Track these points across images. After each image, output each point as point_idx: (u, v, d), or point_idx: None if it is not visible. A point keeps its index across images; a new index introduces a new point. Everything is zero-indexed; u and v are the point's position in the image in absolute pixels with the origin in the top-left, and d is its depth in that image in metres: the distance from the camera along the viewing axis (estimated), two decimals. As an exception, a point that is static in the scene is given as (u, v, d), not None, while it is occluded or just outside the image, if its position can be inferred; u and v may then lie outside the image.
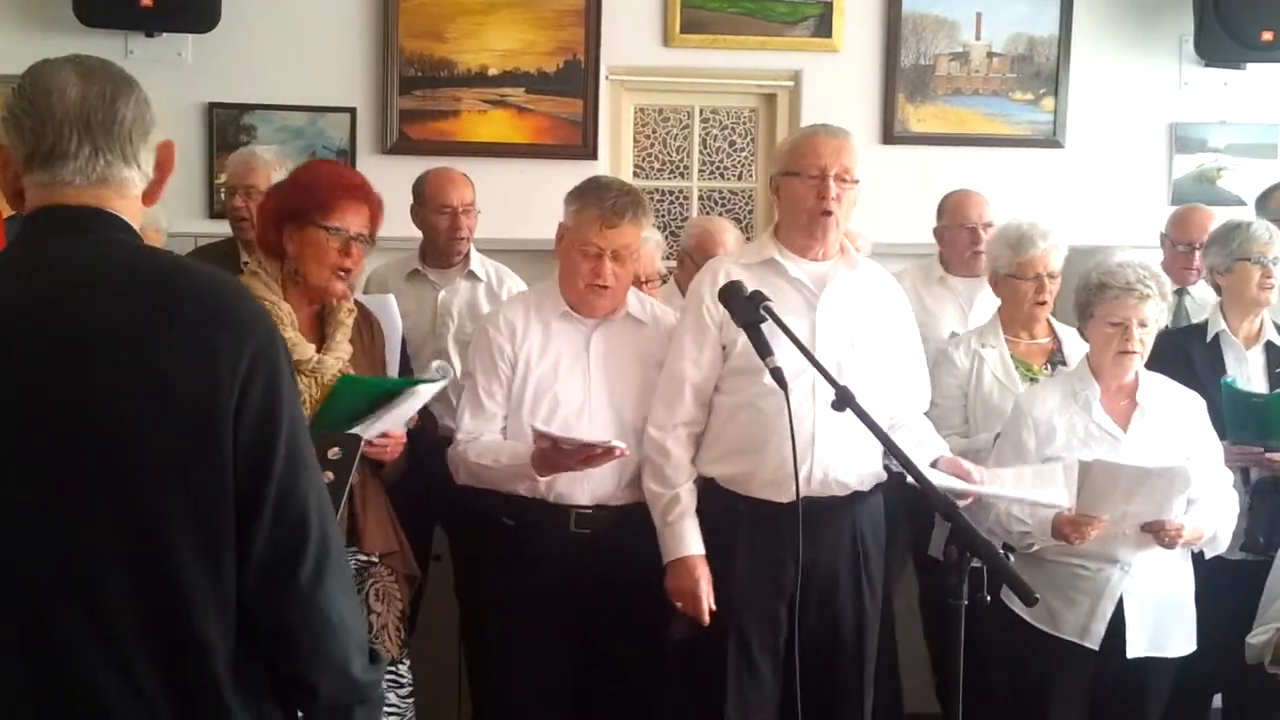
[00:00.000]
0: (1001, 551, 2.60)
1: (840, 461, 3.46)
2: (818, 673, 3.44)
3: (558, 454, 3.37)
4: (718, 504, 3.51)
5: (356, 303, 3.48)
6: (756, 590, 3.46)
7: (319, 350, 3.25)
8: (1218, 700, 4.72)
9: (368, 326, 3.49)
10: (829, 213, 3.48)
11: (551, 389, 3.59)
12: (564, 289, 3.67)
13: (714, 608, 3.45)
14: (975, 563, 2.57)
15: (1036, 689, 3.81)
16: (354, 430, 3.08)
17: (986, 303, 4.75)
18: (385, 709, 3.26)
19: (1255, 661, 3.97)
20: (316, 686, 1.85)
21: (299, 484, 1.81)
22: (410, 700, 3.35)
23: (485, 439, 3.59)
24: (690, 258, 4.78)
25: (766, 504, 3.44)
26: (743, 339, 3.34)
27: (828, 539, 3.47)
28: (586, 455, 3.35)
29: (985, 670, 3.72)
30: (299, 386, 3.19)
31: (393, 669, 3.32)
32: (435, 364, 3.68)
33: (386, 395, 3.18)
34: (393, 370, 3.83)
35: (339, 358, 3.27)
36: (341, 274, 3.28)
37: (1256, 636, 3.96)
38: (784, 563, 3.40)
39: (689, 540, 3.48)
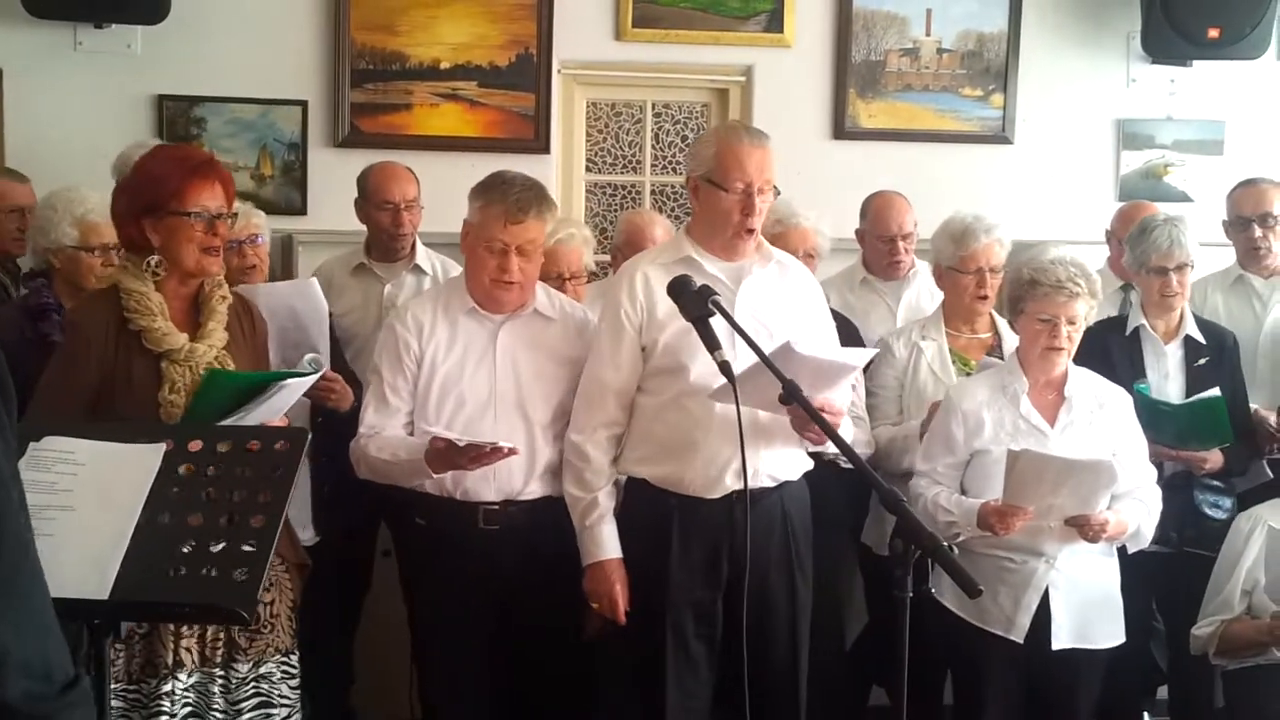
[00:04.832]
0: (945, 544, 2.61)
1: (769, 454, 3.49)
2: (753, 659, 3.45)
3: (453, 453, 3.39)
4: (648, 501, 3.53)
5: (235, 294, 3.47)
6: (691, 583, 3.49)
7: (192, 339, 3.24)
8: (1162, 692, 4.79)
9: (248, 317, 3.48)
10: (752, 230, 3.50)
11: (457, 386, 3.60)
12: (470, 286, 3.68)
13: (629, 609, 3.49)
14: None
15: (970, 682, 3.86)
16: (227, 423, 3.07)
17: (913, 300, 4.78)
18: (280, 699, 3.27)
19: (1199, 653, 4.03)
20: None
21: None
22: (297, 692, 3.35)
23: (386, 434, 3.60)
24: (622, 253, 4.78)
25: (698, 500, 3.47)
26: (664, 339, 3.42)
27: (758, 528, 3.46)
28: (477, 454, 3.37)
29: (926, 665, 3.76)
30: (172, 375, 3.18)
31: (286, 659, 3.33)
32: (308, 357, 3.69)
33: (255, 388, 3.16)
34: (323, 351, 3.83)
35: (212, 345, 3.26)
36: (212, 252, 3.27)
37: (1201, 628, 4.02)
38: (718, 554, 3.46)
39: (607, 544, 3.51)
